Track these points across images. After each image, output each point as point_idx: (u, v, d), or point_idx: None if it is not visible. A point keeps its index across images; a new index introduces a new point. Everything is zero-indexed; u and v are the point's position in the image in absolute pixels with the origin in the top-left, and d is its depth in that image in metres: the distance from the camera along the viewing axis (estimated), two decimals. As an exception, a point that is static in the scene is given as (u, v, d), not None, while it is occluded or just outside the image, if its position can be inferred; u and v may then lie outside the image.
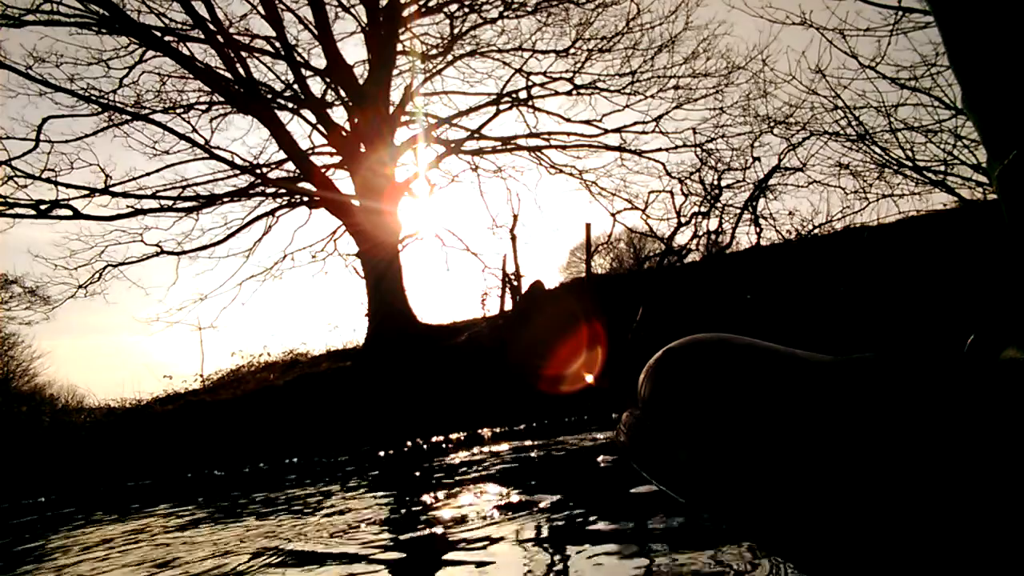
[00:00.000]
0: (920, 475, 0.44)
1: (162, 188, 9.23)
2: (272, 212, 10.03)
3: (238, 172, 9.56)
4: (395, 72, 9.72)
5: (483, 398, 5.46)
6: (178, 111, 9.29)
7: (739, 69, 9.59)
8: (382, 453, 4.58)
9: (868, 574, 0.47)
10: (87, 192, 8.34)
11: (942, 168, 6.35)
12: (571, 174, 10.73)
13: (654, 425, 0.59)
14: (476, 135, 10.36)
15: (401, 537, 1.75)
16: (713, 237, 7.54)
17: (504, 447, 3.70)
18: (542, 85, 10.38)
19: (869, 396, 0.49)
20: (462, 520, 1.83)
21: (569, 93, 10.27)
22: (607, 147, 10.42)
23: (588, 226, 8.20)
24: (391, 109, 9.48)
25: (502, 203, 23.68)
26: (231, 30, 9.03)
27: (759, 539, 0.56)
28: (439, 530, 1.76)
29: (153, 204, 8.99)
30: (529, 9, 9.87)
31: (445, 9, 9.97)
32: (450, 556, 1.47)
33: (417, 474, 3.14)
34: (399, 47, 9.63)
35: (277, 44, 8.96)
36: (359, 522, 2.05)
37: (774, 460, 0.51)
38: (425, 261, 35.14)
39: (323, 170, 9.38)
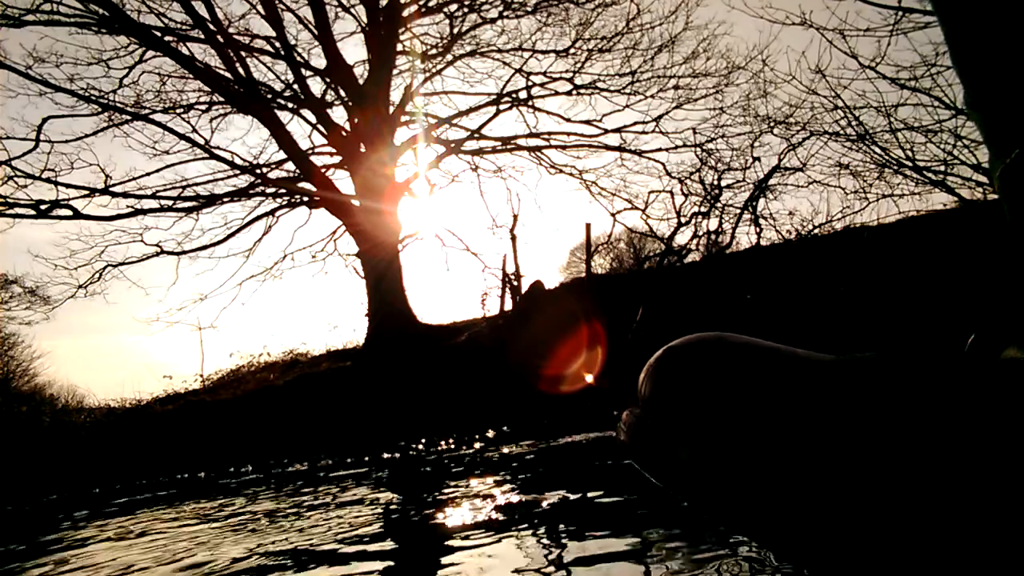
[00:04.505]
0: (920, 474, 0.44)
1: (162, 188, 9.23)
2: (272, 212, 10.02)
3: (238, 172, 9.55)
4: (395, 72, 9.71)
5: (483, 398, 5.46)
6: (178, 111, 9.29)
7: (739, 69, 9.59)
8: (384, 455, 4.58)
9: (868, 573, 0.47)
10: (87, 192, 8.33)
11: (942, 168, 6.33)
12: (571, 174, 10.73)
13: (654, 424, 0.59)
14: (476, 135, 10.35)
15: (402, 538, 1.75)
16: (713, 237, 7.53)
17: (504, 447, 3.70)
18: (542, 85, 10.38)
19: (870, 395, 0.49)
20: (463, 521, 1.83)
21: (569, 93, 10.26)
22: (607, 147, 10.42)
23: (588, 226, 8.20)
24: (391, 109, 9.47)
25: (502, 203, 23.67)
26: (231, 30, 9.03)
27: (759, 538, 0.56)
28: (440, 531, 1.76)
29: (153, 204, 8.98)
30: (529, 9, 9.86)
31: (445, 9, 9.96)
32: (451, 557, 1.46)
33: (417, 474, 3.14)
34: (399, 47, 9.62)
35: (277, 44, 8.96)
36: (361, 523, 2.05)
37: (774, 459, 0.50)
38: (425, 261, 35.16)
39: (323, 170, 9.37)
